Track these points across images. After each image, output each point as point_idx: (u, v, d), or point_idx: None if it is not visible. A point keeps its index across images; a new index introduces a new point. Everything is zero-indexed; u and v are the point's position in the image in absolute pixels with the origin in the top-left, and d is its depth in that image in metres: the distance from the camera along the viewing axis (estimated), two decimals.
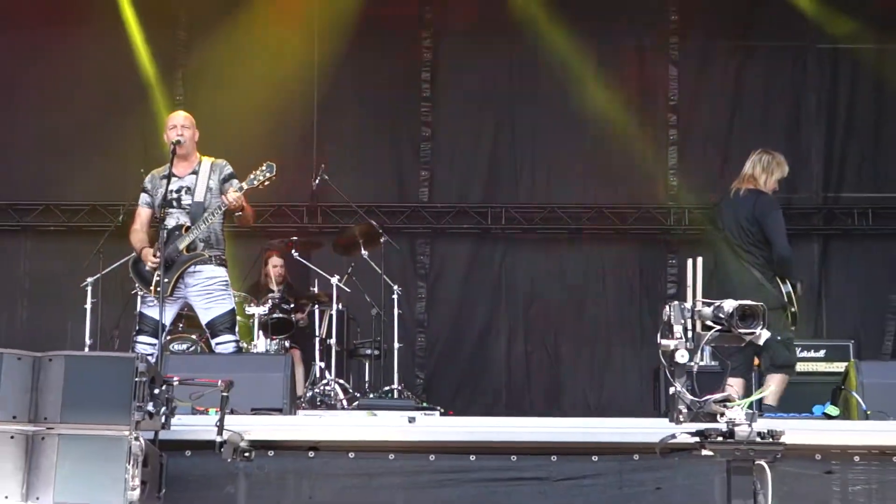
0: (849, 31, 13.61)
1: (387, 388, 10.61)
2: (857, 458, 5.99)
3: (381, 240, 11.02)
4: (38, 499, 5.06)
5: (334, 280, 10.72)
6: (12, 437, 5.10)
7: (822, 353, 9.46)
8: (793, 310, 8.39)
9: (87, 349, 10.01)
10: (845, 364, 8.12)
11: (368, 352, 11.19)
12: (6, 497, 5.04)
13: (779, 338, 8.01)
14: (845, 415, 7.04)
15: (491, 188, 13.66)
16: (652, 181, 13.77)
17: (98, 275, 10.41)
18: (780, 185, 9.14)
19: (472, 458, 5.99)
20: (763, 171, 8.75)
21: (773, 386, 8.19)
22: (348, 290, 10.91)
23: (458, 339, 13.41)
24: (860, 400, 6.67)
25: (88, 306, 10.41)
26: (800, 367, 9.27)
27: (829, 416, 7.24)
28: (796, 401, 8.12)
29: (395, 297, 10.87)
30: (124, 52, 13.20)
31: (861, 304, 13.67)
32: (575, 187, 13.57)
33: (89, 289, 10.40)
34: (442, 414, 9.03)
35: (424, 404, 9.82)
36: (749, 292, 8.11)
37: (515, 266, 13.58)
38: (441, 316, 13.50)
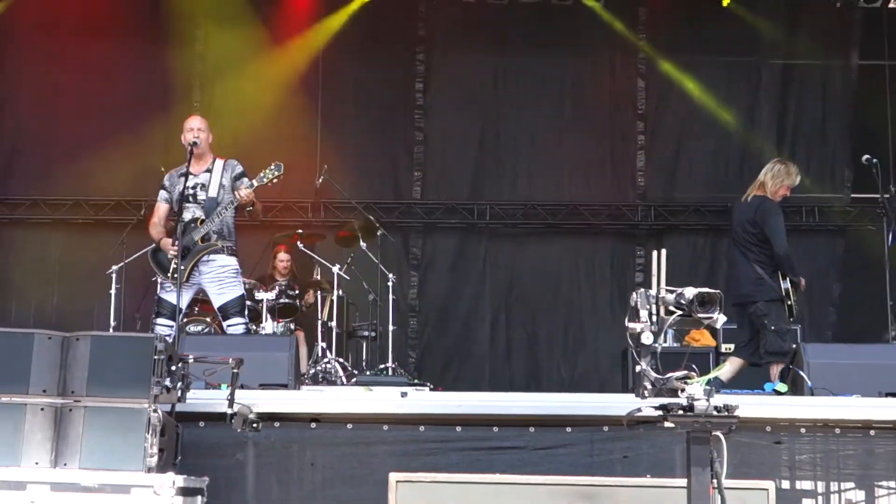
0: (797, 48, 13.65)
1: (382, 366, 10.59)
2: (803, 430, 5.99)
3: (378, 233, 10.99)
4: (65, 465, 5.04)
5: (335, 269, 10.69)
6: (42, 410, 5.08)
7: None
8: (789, 303, 8.43)
9: (111, 330, 9.99)
10: (793, 345, 8.11)
11: (366, 333, 11.18)
12: (36, 463, 5.02)
13: (773, 327, 8.10)
14: (793, 391, 7.03)
15: (477, 187, 13.66)
16: (622, 181, 13.78)
17: (121, 263, 10.38)
18: (795, 190, 9.31)
19: (458, 429, 5.98)
20: (772, 180, 8.80)
21: (728, 366, 8.22)
22: (348, 278, 10.89)
23: (446, 323, 13.41)
24: (806, 378, 6.67)
25: (113, 292, 10.39)
26: None
27: (778, 393, 7.23)
28: (749, 378, 8.13)
29: (389, 284, 10.84)
30: (148, 63, 13.19)
31: (808, 293, 13.67)
32: (553, 186, 13.56)
33: (113, 276, 10.38)
34: (431, 389, 8.99)
35: (416, 381, 9.78)
36: (750, 285, 8.26)
37: (498, 257, 13.60)
38: (431, 302, 13.50)
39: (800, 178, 9.01)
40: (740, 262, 8.63)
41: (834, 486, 5.97)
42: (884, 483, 5.97)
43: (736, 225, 8.86)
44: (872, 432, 5.96)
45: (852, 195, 13.32)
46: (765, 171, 8.91)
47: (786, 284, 8.44)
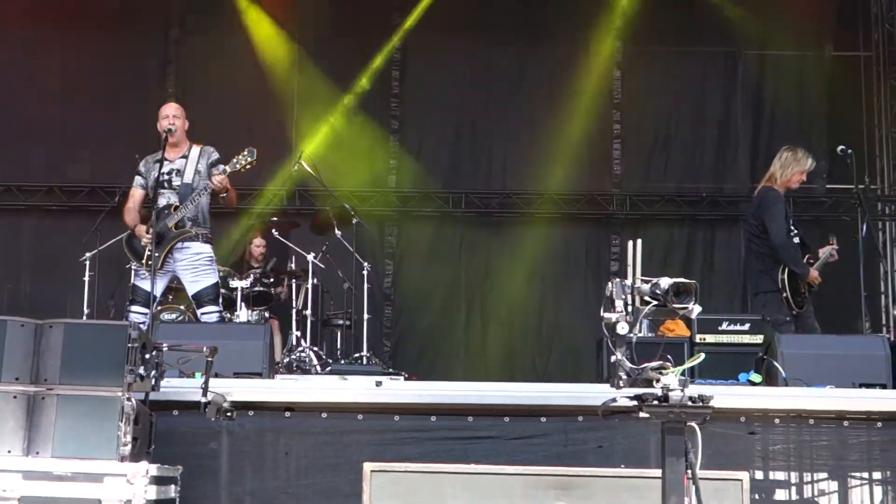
0: (773, 39, 13.71)
1: (357, 354, 10.58)
2: (777, 421, 6.02)
3: (353, 221, 10.96)
4: (38, 453, 5.01)
5: (310, 257, 10.67)
6: (15, 397, 5.04)
7: (746, 327, 9.44)
8: (785, 294, 8.46)
9: (84, 317, 9.93)
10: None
11: (340, 322, 11.15)
12: (9, 451, 4.99)
13: (768, 319, 8.15)
14: (767, 382, 7.06)
15: (452, 176, 13.67)
16: (598, 170, 13.81)
17: (95, 250, 10.31)
18: (809, 177, 9.31)
19: (433, 418, 5.98)
20: (781, 167, 8.75)
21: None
22: (323, 267, 10.86)
23: (421, 311, 13.41)
24: (780, 368, 6.69)
25: (86, 279, 10.33)
26: (727, 338, 9.29)
27: (752, 383, 7.25)
28: (724, 369, 8.13)
29: (364, 273, 10.83)
30: (123, 49, 13.13)
31: None
32: (528, 175, 13.57)
33: (87, 263, 10.32)
34: (406, 378, 8.96)
35: (390, 370, 9.77)
36: (752, 276, 8.37)
37: (473, 246, 13.60)
38: (406, 290, 13.49)
39: (811, 160, 8.87)
40: (746, 253, 8.83)
41: (807, 476, 6.01)
42: (857, 473, 6.01)
43: (746, 217, 9.02)
44: (846, 423, 6.00)
45: (828, 186, 13.39)
46: (775, 160, 8.90)
47: (782, 276, 8.46)
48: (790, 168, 8.70)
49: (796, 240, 8.68)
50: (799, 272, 8.50)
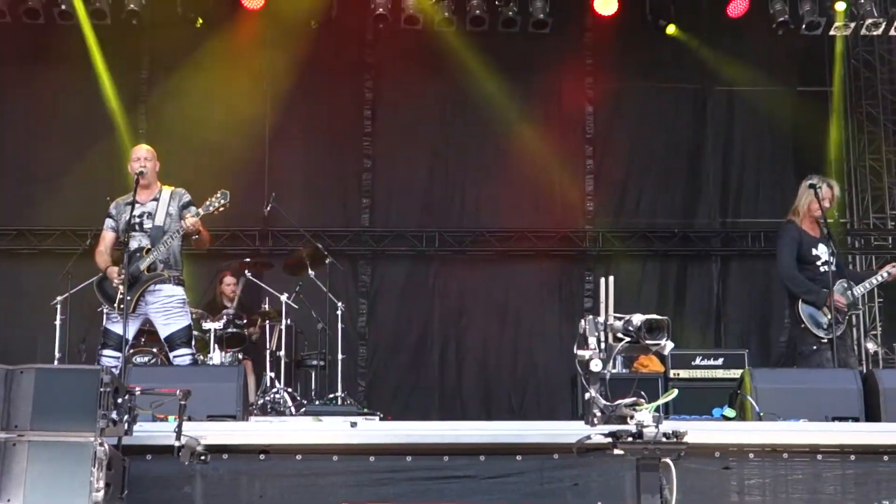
0: (741, 75, 13.86)
1: (331, 395, 10.54)
2: (751, 455, 6.03)
3: (327, 261, 10.96)
4: (9, 500, 4.96)
5: (284, 298, 10.65)
6: None
7: (720, 361, 9.52)
8: (803, 326, 8.47)
9: (56, 362, 9.85)
10: (741, 371, 8.17)
11: (314, 363, 11.12)
12: None
13: (798, 351, 8.50)
14: (741, 416, 7.08)
15: (425, 214, 13.70)
16: (570, 206, 13.87)
17: (66, 294, 10.23)
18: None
19: (409, 458, 5.96)
20: (797, 200, 8.85)
21: None
22: (296, 307, 10.84)
23: (395, 351, 13.39)
24: (754, 403, 6.72)
25: (58, 323, 10.23)
26: (700, 373, 9.38)
27: (726, 418, 7.27)
28: (698, 404, 8.16)
29: (338, 312, 10.81)
30: (93, 89, 13.11)
31: (756, 318, 13.85)
32: (501, 213, 13.62)
33: (58, 307, 10.22)
34: (381, 419, 8.97)
35: (365, 410, 9.75)
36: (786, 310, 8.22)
37: (447, 284, 13.61)
38: (380, 330, 13.48)
39: (824, 185, 8.78)
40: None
41: None
42: None
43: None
44: (819, 456, 6.02)
45: None
46: None
47: (802, 307, 8.50)
48: (804, 197, 8.72)
49: (824, 268, 8.58)
50: (811, 300, 8.45)
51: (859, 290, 8.70)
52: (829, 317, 8.32)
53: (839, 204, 11.03)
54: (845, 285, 8.63)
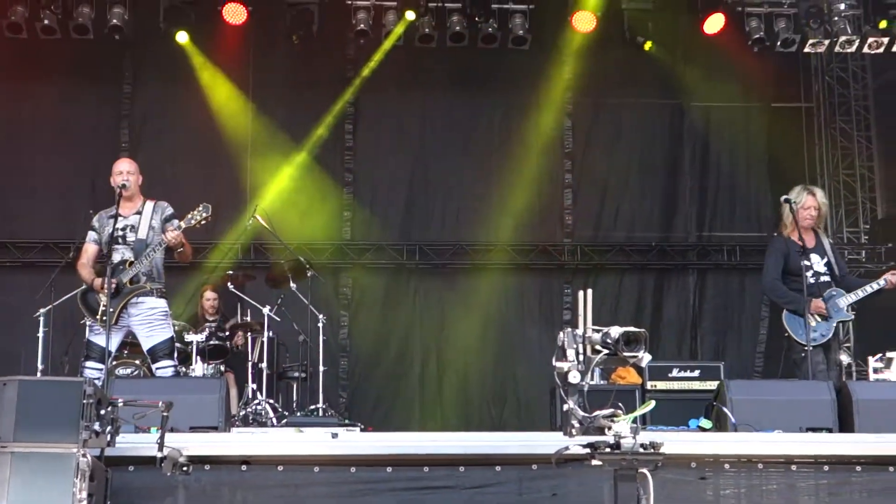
0: (718, 91, 13.93)
1: (313, 406, 10.52)
2: (727, 466, 6.05)
3: (308, 274, 10.95)
4: None
5: (266, 310, 10.64)
6: None
7: (696, 373, 9.52)
8: (786, 334, 8.42)
9: (39, 374, 9.82)
10: (717, 382, 8.19)
11: (296, 374, 11.11)
12: None
13: (790, 359, 8.34)
14: (717, 427, 7.11)
15: (406, 227, 13.71)
16: (549, 220, 13.92)
17: (49, 306, 10.20)
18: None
19: (389, 469, 5.96)
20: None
21: None
22: (278, 319, 10.83)
23: (376, 362, 13.39)
24: (729, 414, 6.74)
25: (41, 335, 10.19)
26: (677, 385, 9.38)
27: (702, 429, 7.29)
28: (674, 415, 8.17)
29: (320, 325, 10.79)
30: (77, 102, 13.09)
31: (732, 330, 13.91)
32: (481, 226, 13.64)
33: (41, 319, 10.19)
34: (362, 430, 8.95)
35: (346, 421, 9.73)
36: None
37: (428, 296, 13.62)
38: (361, 342, 13.47)
39: (806, 195, 8.70)
40: None
41: None
42: None
43: None
44: (794, 467, 6.05)
45: (774, 234, 13.54)
46: None
47: (784, 317, 8.46)
48: (785, 210, 8.66)
49: (813, 279, 8.46)
50: (792, 309, 8.38)
51: (850, 297, 8.55)
52: (813, 324, 8.24)
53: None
54: (833, 293, 8.53)
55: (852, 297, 8.55)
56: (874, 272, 11.47)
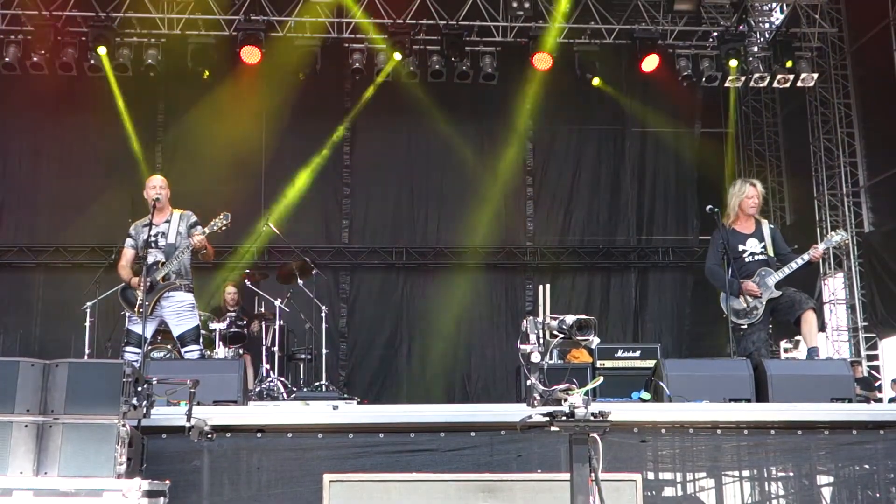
0: (653, 119, 13.99)
1: (317, 383, 10.48)
2: (663, 431, 6.04)
3: (313, 272, 10.90)
4: (46, 473, 4.89)
5: (277, 302, 10.58)
6: (26, 426, 4.92)
7: (637, 353, 9.51)
8: (724, 315, 7.80)
9: (86, 357, 9.74)
10: (654, 361, 8.17)
11: (303, 356, 11.05)
12: (21, 472, 4.86)
13: (735, 337, 7.73)
14: (655, 398, 7.10)
15: (395, 234, 13.73)
16: (514, 227, 13.95)
17: (95, 300, 10.12)
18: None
19: (381, 435, 5.92)
20: (728, 201, 8.12)
21: None
22: (287, 310, 10.77)
23: (370, 346, 13.39)
24: (665, 387, 6.73)
25: (87, 324, 10.11)
26: (621, 363, 9.34)
27: (643, 400, 7.28)
28: (619, 388, 8.15)
29: (323, 315, 10.73)
30: (116, 131, 13.05)
31: (667, 317, 13.96)
32: (457, 232, 13.67)
33: (88, 311, 10.11)
34: (358, 402, 8.90)
35: (345, 395, 9.69)
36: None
37: (413, 291, 13.64)
38: (358, 329, 13.48)
39: (748, 186, 8.08)
40: None
41: (689, 476, 6.03)
42: (729, 472, 6.06)
43: None
44: (719, 431, 6.04)
45: (699, 238, 13.63)
46: None
47: (721, 299, 7.87)
48: (734, 199, 8.05)
49: (749, 259, 7.88)
50: (726, 292, 7.78)
51: (778, 275, 7.78)
52: (746, 305, 7.76)
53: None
54: (763, 272, 7.85)
55: (780, 275, 7.82)
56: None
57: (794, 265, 7.79)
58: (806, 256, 7.74)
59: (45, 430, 4.96)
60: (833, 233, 8.62)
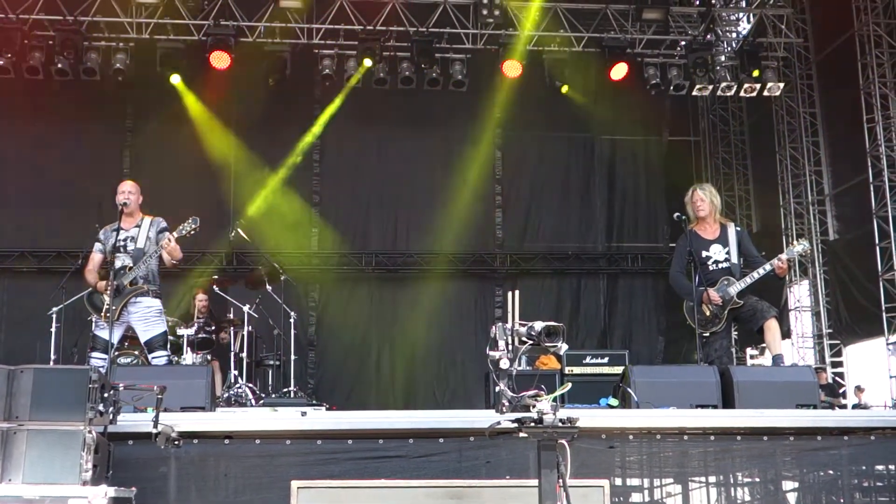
0: (622, 127, 14.08)
1: (285, 389, 10.42)
2: (631, 437, 6.05)
3: (282, 278, 10.85)
4: (10, 480, 4.83)
5: (246, 308, 10.51)
6: None
7: (606, 360, 9.50)
8: (687, 322, 7.74)
9: (51, 363, 9.63)
10: (622, 367, 8.18)
11: (271, 363, 10.98)
12: None
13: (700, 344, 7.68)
14: (623, 405, 7.11)
15: (364, 240, 13.73)
16: (483, 234, 13.99)
17: (61, 306, 10.01)
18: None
19: (350, 441, 5.90)
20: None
21: None
22: (256, 316, 10.71)
23: (339, 353, 13.35)
24: (633, 394, 6.75)
25: (53, 330, 10.00)
26: (589, 369, 9.33)
27: (611, 406, 7.29)
28: (587, 394, 8.15)
29: (292, 321, 10.69)
30: (84, 137, 12.96)
31: (635, 323, 14.04)
32: (426, 239, 13.68)
33: (54, 316, 10.00)
34: (327, 409, 8.86)
35: (314, 402, 9.65)
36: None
37: (382, 297, 13.63)
38: (326, 335, 13.45)
39: (694, 189, 7.95)
40: None
41: (657, 481, 6.06)
42: (696, 478, 6.09)
43: None
44: (686, 437, 6.07)
45: (670, 245, 13.72)
46: None
47: (685, 307, 7.78)
48: (687, 206, 7.98)
49: (713, 267, 7.73)
50: (688, 299, 7.72)
51: (739, 285, 7.63)
52: (708, 313, 7.66)
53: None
54: (725, 282, 7.69)
55: (741, 285, 7.67)
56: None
57: (756, 275, 7.69)
58: (769, 266, 7.67)
59: (10, 436, 4.90)
60: (795, 242, 8.66)
